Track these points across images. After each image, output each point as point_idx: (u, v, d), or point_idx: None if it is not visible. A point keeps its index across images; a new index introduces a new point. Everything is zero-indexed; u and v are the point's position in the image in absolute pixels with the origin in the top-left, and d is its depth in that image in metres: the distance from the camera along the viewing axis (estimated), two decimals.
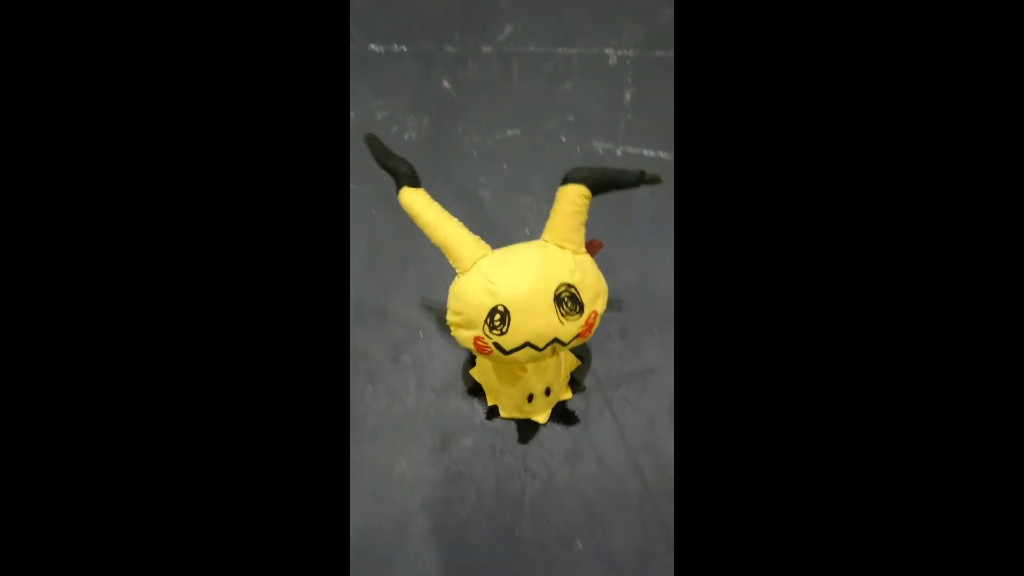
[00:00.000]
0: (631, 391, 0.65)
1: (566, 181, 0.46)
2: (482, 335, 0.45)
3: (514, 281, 0.44)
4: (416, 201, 0.47)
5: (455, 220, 0.47)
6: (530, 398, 0.58)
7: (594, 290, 0.47)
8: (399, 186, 0.47)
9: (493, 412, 0.63)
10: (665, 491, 0.60)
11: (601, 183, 0.45)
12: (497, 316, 0.44)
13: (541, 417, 0.60)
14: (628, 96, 0.86)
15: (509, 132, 0.84)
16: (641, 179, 0.46)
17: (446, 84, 0.89)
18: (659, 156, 0.81)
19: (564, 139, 0.83)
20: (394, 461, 0.62)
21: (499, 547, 0.58)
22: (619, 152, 0.81)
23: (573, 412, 0.63)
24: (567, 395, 0.63)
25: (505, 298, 0.44)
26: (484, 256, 0.46)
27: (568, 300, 0.45)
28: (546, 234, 0.48)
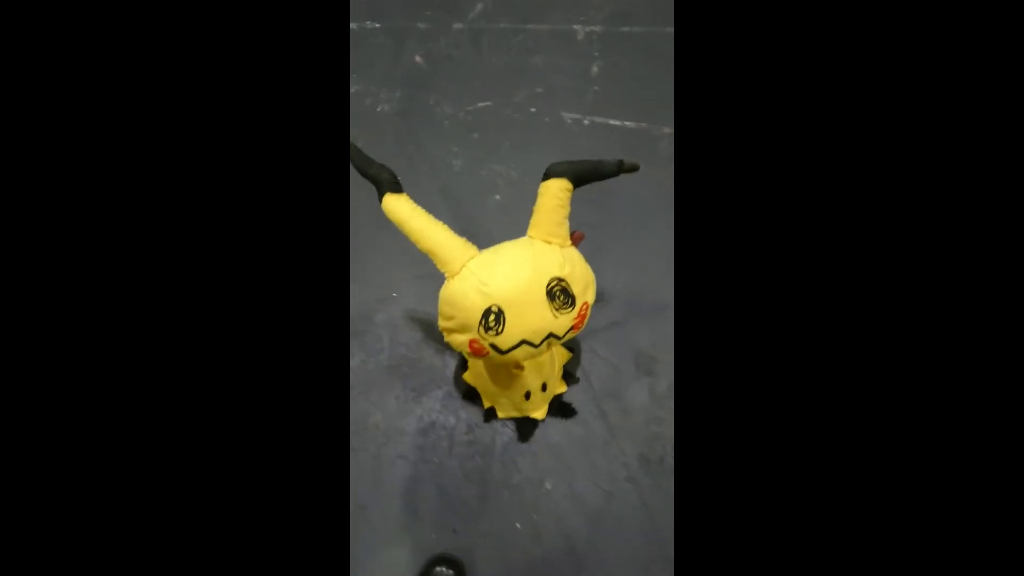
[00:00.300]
0: (597, 343, 0.67)
1: (547, 176, 0.46)
2: (477, 337, 0.45)
3: (506, 280, 0.44)
4: (400, 208, 0.46)
5: (440, 224, 0.47)
6: (527, 396, 0.58)
7: (583, 281, 0.47)
8: (382, 193, 0.47)
9: (491, 414, 0.63)
10: (629, 433, 0.62)
11: (582, 175, 0.46)
12: (492, 316, 0.44)
13: (539, 413, 0.61)
14: (595, 69, 0.89)
15: (479, 104, 0.86)
16: (620, 168, 0.47)
17: (418, 59, 0.91)
18: (624, 125, 0.84)
19: (533, 110, 0.85)
20: (369, 413, 0.64)
21: (470, 490, 0.60)
22: (586, 121, 0.84)
23: (570, 404, 0.63)
24: (562, 388, 0.63)
25: (498, 298, 0.44)
26: (472, 258, 0.46)
27: (560, 294, 0.45)
28: (531, 230, 0.48)
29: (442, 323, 0.48)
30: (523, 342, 0.45)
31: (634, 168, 0.47)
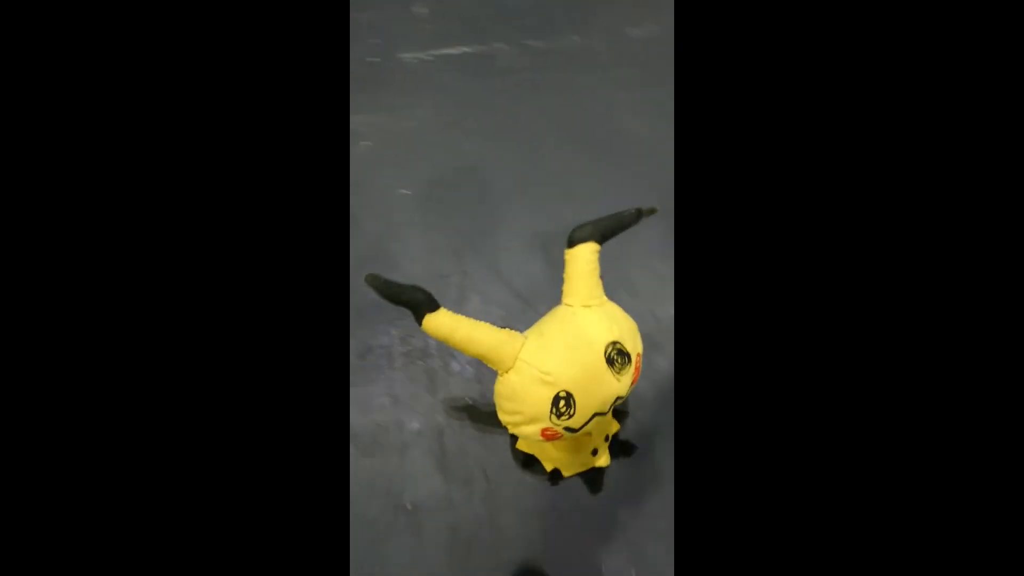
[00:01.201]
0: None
1: (573, 243, 0.47)
2: (550, 425, 0.45)
3: (567, 364, 0.44)
4: (441, 325, 0.46)
5: (482, 325, 0.46)
6: (594, 452, 0.58)
7: (632, 334, 0.47)
8: (420, 316, 0.46)
9: (556, 475, 0.60)
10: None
11: (607, 233, 0.47)
12: (562, 403, 0.44)
13: (604, 460, 0.59)
14: (425, 10, 0.96)
15: None
16: (639, 215, 0.49)
17: None
18: (463, 51, 0.91)
19: (377, 59, 0.90)
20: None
21: (419, 388, 0.66)
22: (428, 57, 0.90)
23: (628, 441, 0.64)
24: (616, 427, 0.62)
25: (564, 383, 0.44)
26: (521, 347, 0.45)
27: (618, 356, 0.45)
28: (568, 298, 0.48)
29: (505, 418, 0.47)
30: (595, 415, 0.46)
31: (652, 212, 0.50)
